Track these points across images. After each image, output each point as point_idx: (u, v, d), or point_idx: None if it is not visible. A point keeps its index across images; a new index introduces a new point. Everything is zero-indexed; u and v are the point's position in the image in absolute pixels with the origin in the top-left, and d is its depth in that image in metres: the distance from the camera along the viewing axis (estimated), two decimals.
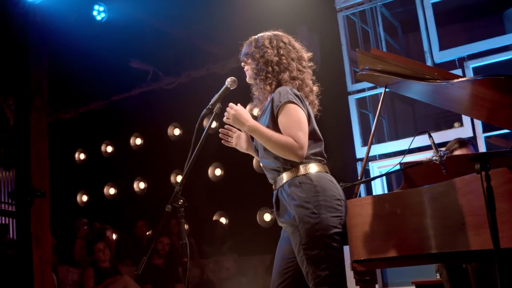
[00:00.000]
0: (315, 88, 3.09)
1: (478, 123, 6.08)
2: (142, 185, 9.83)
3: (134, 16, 7.22)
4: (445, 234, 3.04)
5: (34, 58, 6.66)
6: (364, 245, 3.42)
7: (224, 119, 3.01)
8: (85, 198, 10.33)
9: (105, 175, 10.11)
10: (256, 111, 3.28)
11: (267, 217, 8.41)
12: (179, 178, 9.34)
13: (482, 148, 5.99)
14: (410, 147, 6.54)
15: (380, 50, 3.66)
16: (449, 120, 7.26)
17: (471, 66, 6.15)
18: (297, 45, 3.12)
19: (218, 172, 9.03)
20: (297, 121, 2.83)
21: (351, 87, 6.87)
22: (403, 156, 3.76)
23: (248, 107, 8.76)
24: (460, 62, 6.25)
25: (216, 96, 3.03)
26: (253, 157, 8.42)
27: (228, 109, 2.97)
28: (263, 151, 2.99)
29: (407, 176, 3.90)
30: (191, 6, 7.12)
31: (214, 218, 8.83)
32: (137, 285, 7.04)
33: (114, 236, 8.72)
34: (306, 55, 3.12)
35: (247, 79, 3.15)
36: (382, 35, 6.85)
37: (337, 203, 2.83)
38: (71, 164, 10.36)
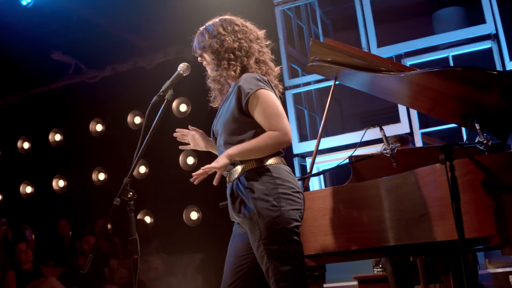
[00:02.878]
0: (276, 70, 2.97)
1: (415, 120, 6.23)
2: (61, 183, 9.39)
3: (60, 2, 6.85)
4: (403, 226, 3.01)
5: None
6: (316, 239, 3.35)
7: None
8: None
9: (21, 172, 9.58)
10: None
11: (194, 215, 8.24)
12: (101, 176, 9.01)
13: (419, 144, 6.14)
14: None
15: (334, 40, 3.58)
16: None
17: (408, 63, 6.30)
18: (249, 25, 2.97)
19: (142, 169, 8.75)
20: (273, 106, 2.71)
21: (288, 82, 6.87)
22: (354, 149, 3.72)
23: (174, 103, 8.58)
24: (398, 59, 6.38)
25: (168, 82, 2.87)
26: (179, 155, 8.32)
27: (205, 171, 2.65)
28: (220, 139, 2.83)
29: (355, 170, 3.87)
30: None
31: (138, 217, 8.55)
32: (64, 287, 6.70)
33: (32, 237, 8.28)
34: (260, 33, 2.98)
35: (209, 73, 2.97)
36: (320, 31, 6.90)
37: (297, 196, 2.71)
38: None
